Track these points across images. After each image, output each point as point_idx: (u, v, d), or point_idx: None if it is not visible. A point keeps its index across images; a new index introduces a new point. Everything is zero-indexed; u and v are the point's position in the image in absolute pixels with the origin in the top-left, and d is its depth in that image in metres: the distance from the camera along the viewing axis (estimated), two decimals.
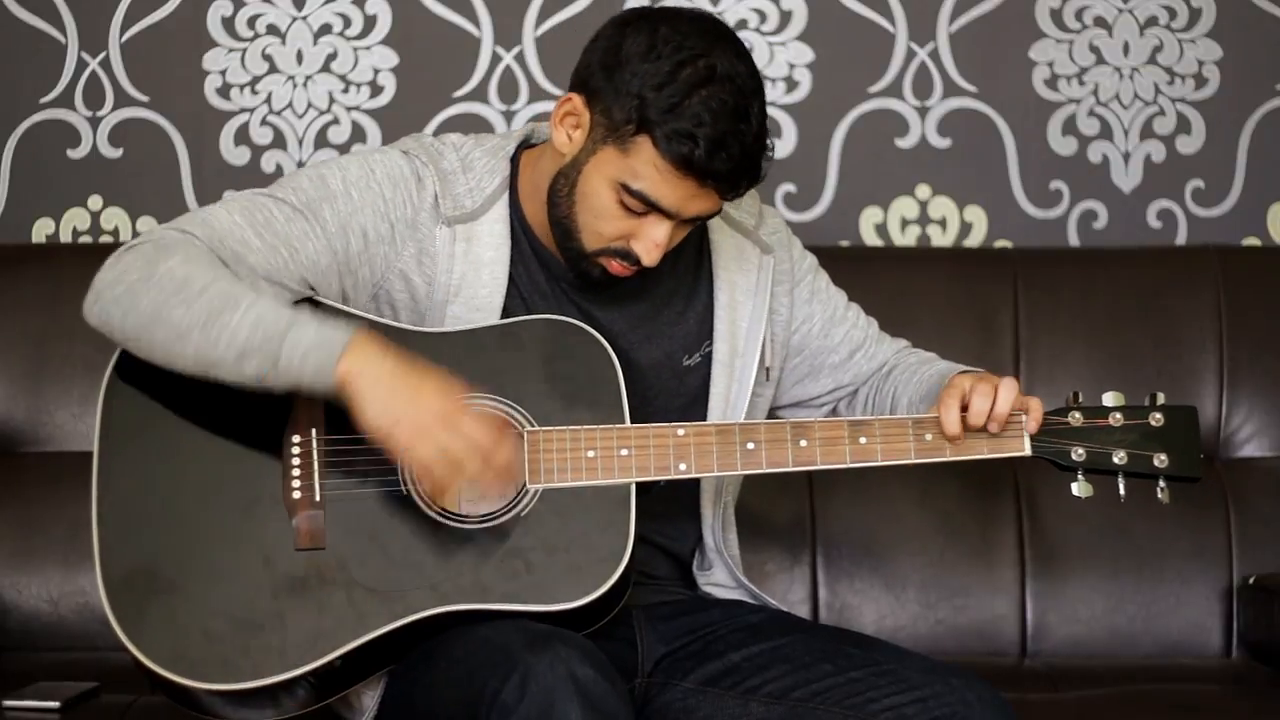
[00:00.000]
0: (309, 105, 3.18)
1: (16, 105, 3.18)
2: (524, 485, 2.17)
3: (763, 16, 3.18)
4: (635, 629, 2.30)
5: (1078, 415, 2.25)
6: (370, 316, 2.24)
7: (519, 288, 2.28)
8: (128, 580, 2.14)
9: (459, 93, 3.17)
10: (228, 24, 3.17)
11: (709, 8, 3.13)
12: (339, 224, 2.23)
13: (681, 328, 2.35)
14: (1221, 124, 3.19)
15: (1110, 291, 2.96)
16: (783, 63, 3.18)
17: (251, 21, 3.18)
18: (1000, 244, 3.17)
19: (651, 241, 2.19)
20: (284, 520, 2.17)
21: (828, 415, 2.47)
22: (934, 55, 3.18)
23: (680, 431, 2.22)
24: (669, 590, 2.37)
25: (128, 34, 3.17)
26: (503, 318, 2.26)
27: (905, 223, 3.19)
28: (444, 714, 2.07)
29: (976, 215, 3.19)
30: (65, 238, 3.17)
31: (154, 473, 2.19)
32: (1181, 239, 3.18)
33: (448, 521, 2.17)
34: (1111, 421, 2.25)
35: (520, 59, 3.17)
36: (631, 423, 2.21)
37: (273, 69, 3.18)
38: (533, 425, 2.20)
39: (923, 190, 3.19)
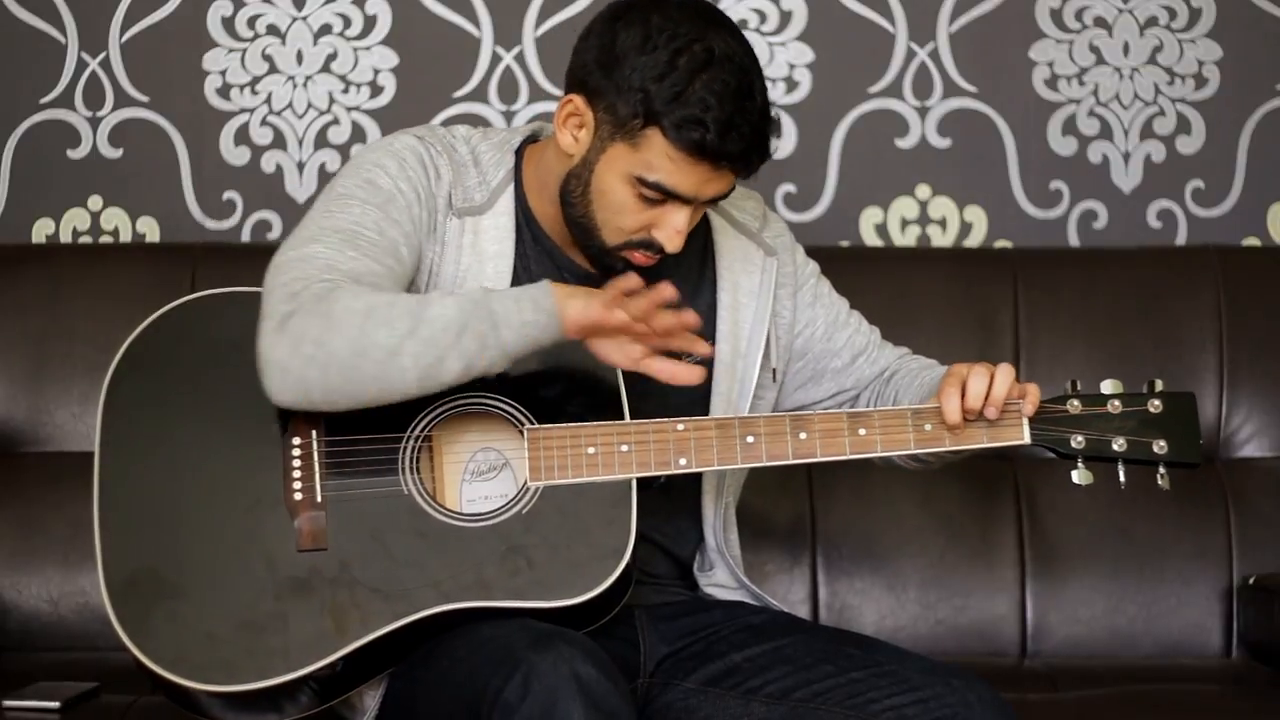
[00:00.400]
0: (309, 105, 3.18)
1: (16, 105, 3.18)
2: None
3: (763, 16, 3.18)
4: (637, 629, 2.30)
5: (1076, 403, 2.25)
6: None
7: (520, 281, 2.28)
8: (130, 582, 2.14)
9: (459, 93, 3.17)
10: (228, 24, 3.17)
11: None
12: (409, 219, 2.23)
13: None
14: (1221, 124, 3.19)
15: (1110, 291, 2.96)
16: (783, 63, 3.18)
17: (251, 21, 3.18)
18: (1000, 244, 3.17)
19: (673, 229, 2.21)
20: (285, 521, 2.17)
21: None
22: (934, 55, 3.18)
23: (680, 426, 2.22)
24: (671, 590, 2.37)
25: (128, 34, 3.17)
26: None
27: (905, 223, 3.19)
28: (446, 713, 2.07)
29: (976, 215, 3.19)
30: (65, 238, 3.17)
31: (155, 475, 2.19)
32: (1181, 239, 3.18)
33: (449, 520, 2.17)
34: (1110, 409, 2.25)
35: (520, 59, 3.17)
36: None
37: (273, 69, 3.18)
38: (533, 423, 2.20)
39: (923, 190, 3.19)
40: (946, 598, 2.82)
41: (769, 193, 3.15)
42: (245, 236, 3.16)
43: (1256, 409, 2.93)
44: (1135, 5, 3.19)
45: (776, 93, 3.16)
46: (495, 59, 3.17)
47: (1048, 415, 2.24)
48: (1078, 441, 2.24)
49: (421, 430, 2.20)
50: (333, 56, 3.18)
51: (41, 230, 3.17)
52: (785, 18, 3.18)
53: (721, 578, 2.39)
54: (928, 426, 2.23)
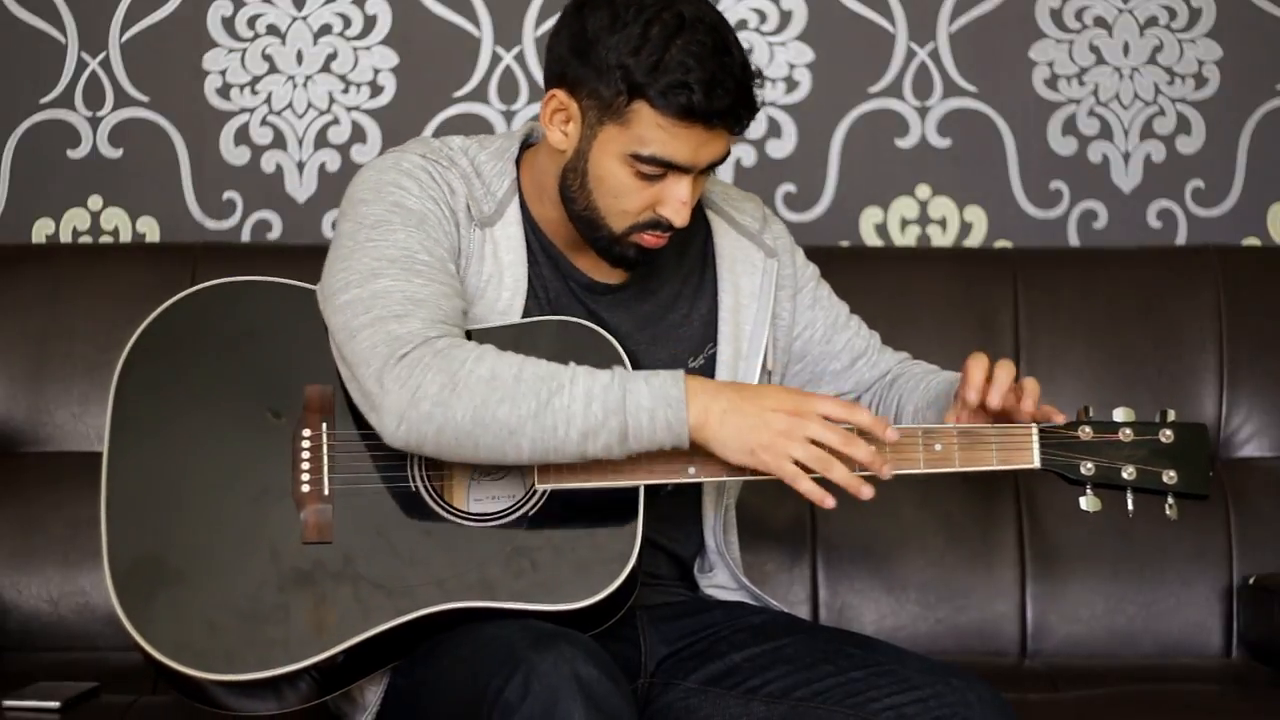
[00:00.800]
0: (309, 105, 3.18)
1: (16, 105, 3.18)
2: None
3: (763, 16, 3.18)
4: (638, 629, 2.30)
5: (1088, 430, 2.25)
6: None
7: (535, 290, 2.29)
8: (135, 569, 2.15)
9: (459, 93, 3.17)
10: (228, 24, 3.17)
11: None
12: (443, 234, 2.24)
13: (686, 330, 2.35)
14: (1221, 124, 3.19)
15: (1110, 291, 2.96)
16: (783, 63, 3.18)
17: (251, 21, 3.18)
18: (1000, 244, 3.17)
19: (678, 201, 2.21)
20: (292, 513, 2.17)
21: None
22: (934, 55, 3.18)
23: None
24: (672, 591, 2.37)
25: (128, 34, 3.17)
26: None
27: (905, 223, 3.19)
28: (447, 711, 2.08)
29: (976, 215, 3.19)
30: (65, 238, 3.17)
31: (164, 462, 2.20)
32: (1181, 239, 3.18)
33: (456, 519, 2.18)
34: (1121, 437, 2.25)
35: (520, 59, 3.17)
36: None
37: (273, 69, 3.18)
38: None
39: (923, 190, 3.19)
40: (946, 598, 2.82)
41: (769, 192, 3.15)
42: (245, 236, 3.16)
43: (1256, 409, 2.93)
44: (1135, 5, 3.19)
45: (776, 93, 3.16)
46: (495, 59, 3.18)
47: (1058, 440, 2.24)
48: (1088, 468, 2.23)
49: None
50: (333, 56, 3.18)
51: (41, 230, 3.17)
52: (785, 18, 3.18)
53: (722, 579, 2.40)
54: (938, 446, 2.22)
